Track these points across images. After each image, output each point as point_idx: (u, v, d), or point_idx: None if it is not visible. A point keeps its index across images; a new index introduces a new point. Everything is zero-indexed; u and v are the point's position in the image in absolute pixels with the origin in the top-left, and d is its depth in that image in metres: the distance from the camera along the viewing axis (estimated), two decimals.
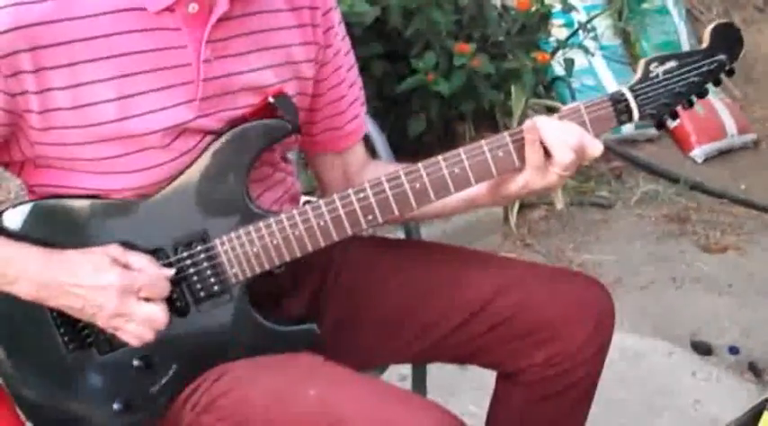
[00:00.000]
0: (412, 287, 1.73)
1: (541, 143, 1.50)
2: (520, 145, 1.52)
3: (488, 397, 1.80)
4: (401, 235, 1.99)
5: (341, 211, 1.52)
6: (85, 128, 1.43)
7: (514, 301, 1.67)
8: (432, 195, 1.53)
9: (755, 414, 2.22)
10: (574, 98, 4.41)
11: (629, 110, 1.56)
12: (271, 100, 1.54)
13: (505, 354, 1.69)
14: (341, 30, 1.71)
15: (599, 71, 4.86)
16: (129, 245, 1.48)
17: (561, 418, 1.73)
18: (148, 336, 1.47)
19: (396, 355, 1.80)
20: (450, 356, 1.78)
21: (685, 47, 5.16)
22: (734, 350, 3.14)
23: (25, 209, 1.50)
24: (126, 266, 1.45)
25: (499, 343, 1.69)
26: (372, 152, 1.98)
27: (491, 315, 1.68)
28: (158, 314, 1.46)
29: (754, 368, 3.03)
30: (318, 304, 1.76)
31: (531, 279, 1.71)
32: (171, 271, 1.49)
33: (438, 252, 1.81)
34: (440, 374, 2.04)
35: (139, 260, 1.47)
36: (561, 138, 1.49)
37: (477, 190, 1.60)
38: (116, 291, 1.43)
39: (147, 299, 1.46)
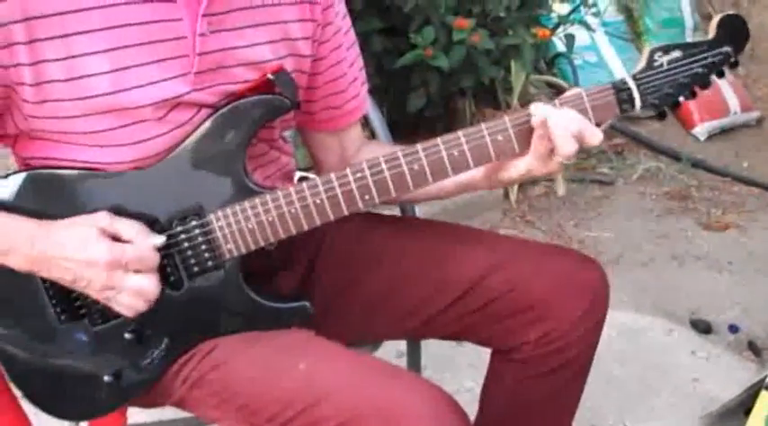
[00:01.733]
0: (403, 263, 1.72)
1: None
2: (520, 130, 1.51)
3: (485, 373, 1.80)
4: (397, 212, 1.97)
5: (338, 190, 1.50)
6: (79, 101, 1.41)
7: (507, 279, 1.66)
8: (429, 177, 1.51)
9: (754, 393, 2.22)
10: (575, 74, 4.40)
11: (631, 99, 1.54)
12: (270, 76, 1.52)
13: (498, 332, 1.69)
14: (341, 8, 1.69)
15: (601, 47, 4.84)
16: (119, 211, 1.47)
17: (555, 396, 1.72)
18: (140, 307, 1.46)
19: (387, 332, 1.80)
20: (442, 333, 1.77)
21: (689, 24, 5.15)
22: (733, 329, 3.13)
23: (17, 180, 1.49)
24: (115, 236, 1.44)
25: (492, 321, 1.68)
26: (370, 129, 1.97)
27: (483, 292, 1.67)
28: (148, 285, 1.45)
29: (753, 347, 3.03)
30: (310, 279, 1.76)
31: (524, 257, 1.70)
32: (160, 239, 1.47)
33: (430, 228, 1.81)
34: (436, 350, 2.03)
35: (128, 229, 1.45)
36: (566, 129, 1.47)
37: (474, 174, 1.60)
38: (104, 266, 1.41)
39: (138, 270, 1.45)
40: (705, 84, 1.57)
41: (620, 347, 2.91)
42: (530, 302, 1.64)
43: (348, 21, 1.72)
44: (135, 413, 1.73)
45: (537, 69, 4.34)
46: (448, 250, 1.71)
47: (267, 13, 1.56)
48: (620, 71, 4.64)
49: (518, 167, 1.54)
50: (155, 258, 1.46)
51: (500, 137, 1.51)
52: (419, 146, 1.50)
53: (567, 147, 1.47)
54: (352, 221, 1.69)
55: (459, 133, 1.51)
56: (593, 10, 4.27)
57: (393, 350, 2.02)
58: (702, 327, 3.13)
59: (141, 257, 1.44)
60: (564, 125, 1.47)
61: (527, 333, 1.65)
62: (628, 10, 5.10)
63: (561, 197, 4.00)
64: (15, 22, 1.36)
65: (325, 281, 1.75)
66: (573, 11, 4.23)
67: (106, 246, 1.42)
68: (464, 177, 1.58)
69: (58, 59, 1.39)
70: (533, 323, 1.64)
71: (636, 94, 1.54)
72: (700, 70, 1.55)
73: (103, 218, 1.44)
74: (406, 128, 1.77)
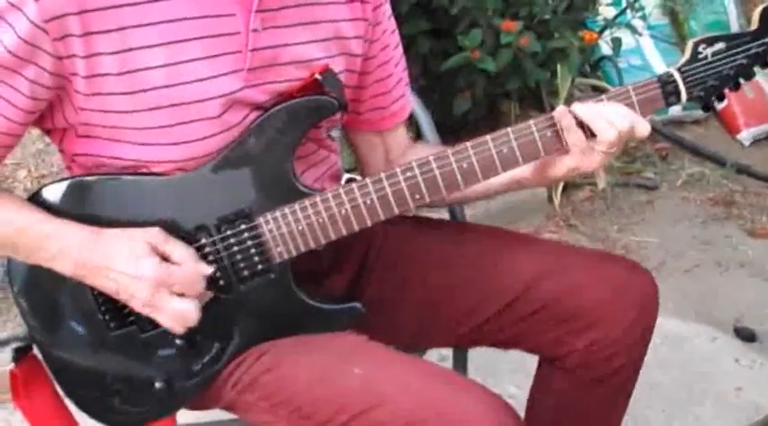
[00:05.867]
0: (454, 270, 1.72)
1: (581, 124, 1.50)
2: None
3: (529, 379, 1.80)
4: (445, 214, 1.97)
5: (388, 190, 1.51)
6: (132, 95, 1.42)
7: (556, 286, 1.66)
8: (479, 175, 1.53)
9: None
10: (620, 78, 4.37)
11: (677, 92, 1.56)
12: (318, 77, 1.53)
13: (547, 339, 1.69)
14: (388, 8, 1.71)
15: (646, 51, 4.81)
16: (171, 228, 1.47)
17: (602, 404, 1.73)
18: (178, 330, 1.47)
19: (436, 339, 1.80)
20: (490, 341, 1.77)
21: (734, 27, 5.09)
22: None
23: (67, 185, 1.50)
24: (164, 256, 1.44)
25: (540, 328, 1.68)
26: (417, 130, 1.97)
27: (533, 299, 1.67)
28: (189, 311, 1.45)
29: None
30: (359, 284, 1.76)
31: (574, 264, 1.70)
32: (209, 269, 1.48)
33: (481, 234, 1.81)
34: (480, 355, 2.03)
35: (180, 252, 1.45)
36: (601, 115, 1.49)
37: (523, 171, 1.60)
38: (149, 283, 1.42)
39: (182, 294, 1.45)
40: (749, 75, 1.58)
41: (664, 354, 2.89)
42: (579, 310, 1.64)
43: (393, 21, 1.73)
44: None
45: (581, 72, 4.32)
46: (498, 257, 1.71)
47: (319, 11, 1.57)
48: None
49: (565, 164, 1.55)
50: (201, 284, 1.46)
51: (548, 133, 1.53)
52: (468, 144, 1.52)
53: (606, 134, 1.49)
54: (401, 225, 1.70)
55: (508, 130, 1.52)
56: (640, 13, 4.24)
57: (435, 354, 2.02)
58: (746, 335, 3.10)
59: (188, 281, 1.45)
60: (594, 111, 1.49)
61: (575, 341, 1.66)
62: (673, 13, 5.05)
63: (605, 201, 3.98)
64: (70, 14, 1.37)
65: (374, 287, 1.75)
66: (619, 14, 4.21)
67: (154, 264, 1.42)
68: (513, 175, 1.60)
69: (112, 52, 1.40)
70: (582, 332, 1.65)
71: (682, 87, 1.55)
72: (744, 61, 1.56)
73: (157, 235, 1.45)
74: (450, 130, 1.77)
